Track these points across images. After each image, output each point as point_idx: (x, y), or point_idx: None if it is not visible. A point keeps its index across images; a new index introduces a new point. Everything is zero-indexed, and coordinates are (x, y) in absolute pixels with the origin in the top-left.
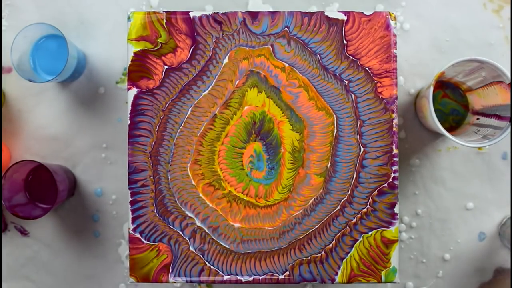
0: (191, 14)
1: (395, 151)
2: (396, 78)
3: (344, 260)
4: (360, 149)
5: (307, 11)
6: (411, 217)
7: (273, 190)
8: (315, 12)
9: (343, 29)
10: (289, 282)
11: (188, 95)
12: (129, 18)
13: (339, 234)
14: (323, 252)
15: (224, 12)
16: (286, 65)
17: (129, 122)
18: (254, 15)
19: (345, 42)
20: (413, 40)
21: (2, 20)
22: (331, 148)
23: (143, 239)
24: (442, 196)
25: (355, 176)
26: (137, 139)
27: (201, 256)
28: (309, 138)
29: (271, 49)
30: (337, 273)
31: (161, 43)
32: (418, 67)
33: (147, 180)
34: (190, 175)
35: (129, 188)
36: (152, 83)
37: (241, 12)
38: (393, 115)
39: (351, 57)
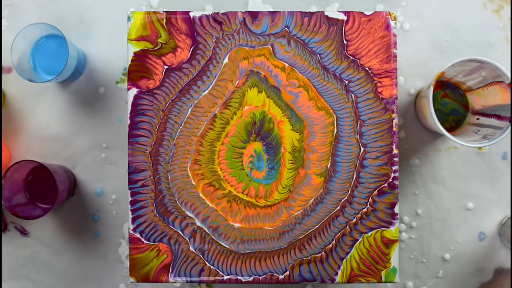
0: (191, 14)
1: (395, 151)
2: (396, 78)
3: (344, 260)
4: (360, 149)
5: (307, 11)
6: (411, 217)
7: (273, 190)
8: (315, 12)
9: (343, 29)
10: (289, 282)
11: (188, 95)
12: (129, 18)
13: (339, 234)
14: (323, 252)
15: (224, 12)
16: (286, 65)
17: (129, 122)
18: (254, 15)
19: (345, 42)
20: (413, 40)
21: (2, 20)
22: (331, 148)
23: (143, 239)
24: (442, 196)
25: (355, 176)
26: (137, 139)
27: (201, 256)
28: (309, 138)
29: (271, 49)
30: (337, 273)
31: (161, 43)
32: (418, 67)
33: (147, 180)
34: (190, 175)
35: (129, 188)
36: (152, 83)
37: (241, 12)
38: (393, 115)
39: (351, 57)
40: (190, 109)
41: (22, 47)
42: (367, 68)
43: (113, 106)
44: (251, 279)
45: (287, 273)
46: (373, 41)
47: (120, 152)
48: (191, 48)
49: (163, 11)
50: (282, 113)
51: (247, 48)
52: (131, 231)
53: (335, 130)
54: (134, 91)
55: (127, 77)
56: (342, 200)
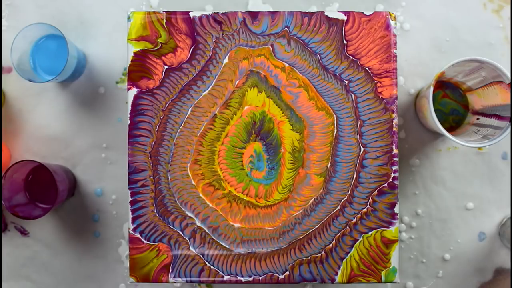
0: (191, 14)
1: (395, 151)
2: (396, 78)
3: (344, 260)
4: (360, 149)
5: (307, 11)
6: (411, 217)
7: (273, 190)
8: (315, 12)
9: (343, 29)
10: (289, 282)
11: (188, 95)
12: (129, 18)
13: (339, 234)
14: (323, 252)
15: (224, 12)
16: (286, 65)
17: (129, 122)
18: (254, 15)
19: (345, 42)
20: (413, 40)
21: (2, 20)
22: (331, 148)
23: (143, 239)
24: (442, 196)
25: (355, 176)
26: (137, 139)
27: (201, 256)
28: (309, 138)
29: (271, 49)
30: (337, 273)
31: (161, 43)
32: (418, 67)
33: (147, 180)
34: (190, 175)
35: (129, 188)
36: (152, 83)
37: (241, 12)
38: (393, 115)
39: (351, 57)
40: (190, 109)
41: (22, 47)
42: (367, 68)
43: (113, 106)
44: (251, 279)
45: (287, 273)
46: (373, 41)
47: (120, 152)
48: (191, 48)
49: (163, 11)
50: (282, 113)
51: (247, 48)
52: (131, 231)
53: (335, 130)
54: (134, 91)
55: (127, 77)
56: (342, 200)
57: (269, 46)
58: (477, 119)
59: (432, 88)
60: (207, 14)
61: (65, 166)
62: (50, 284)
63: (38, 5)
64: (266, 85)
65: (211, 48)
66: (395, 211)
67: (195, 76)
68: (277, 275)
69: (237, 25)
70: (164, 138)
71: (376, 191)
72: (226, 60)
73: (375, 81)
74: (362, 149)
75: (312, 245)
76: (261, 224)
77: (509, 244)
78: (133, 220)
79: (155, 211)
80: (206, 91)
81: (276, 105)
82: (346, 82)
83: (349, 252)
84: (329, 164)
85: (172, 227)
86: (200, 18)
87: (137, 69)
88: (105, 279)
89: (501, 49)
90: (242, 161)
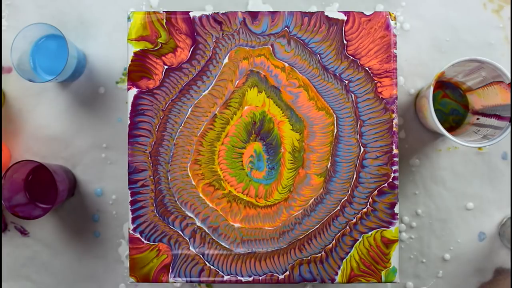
0: (191, 14)
1: (395, 151)
2: (396, 78)
3: (344, 260)
4: (360, 149)
5: (307, 11)
6: (411, 217)
7: (273, 190)
8: (315, 12)
9: (343, 29)
10: (289, 282)
11: (188, 95)
12: (129, 18)
13: (339, 234)
14: (323, 252)
15: (224, 12)
16: (286, 65)
17: (129, 122)
18: (254, 15)
19: (345, 42)
20: (413, 40)
21: (2, 20)
22: (331, 148)
23: (143, 239)
24: (442, 196)
25: (355, 176)
26: (137, 139)
27: (201, 256)
28: (309, 138)
29: (271, 49)
30: (337, 273)
31: (161, 43)
32: (418, 67)
33: (147, 180)
34: (190, 175)
35: (129, 188)
36: (152, 83)
37: (241, 12)
38: (393, 115)
39: (351, 57)
40: (190, 109)
41: (22, 47)
42: (367, 68)
43: (113, 106)
44: (251, 279)
45: (287, 273)
46: (373, 41)
47: (120, 152)
48: (191, 48)
49: (163, 11)
50: (282, 113)
51: (247, 48)
52: (131, 231)
53: (335, 130)
54: (134, 91)
55: (127, 77)
56: (342, 200)
57: (269, 46)
58: (477, 119)
59: (432, 88)
60: (207, 14)
61: (65, 166)
62: (50, 284)
63: (38, 5)
64: (266, 85)
65: (211, 48)
66: (395, 211)
67: (195, 76)
68: (277, 275)
69: (237, 25)
70: (164, 138)
71: (376, 191)
72: (226, 60)
73: (375, 81)
74: (362, 149)
75: (312, 245)
76: (261, 224)
77: (509, 244)
78: (133, 220)
79: (155, 211)
80: (206, 91)
81: (276, 105)
82: (346, 82)
83: (349, 252)
84: (329, 164)
85: (172, 227)
86: (200, 18)
87: (137, 69)
88: (105, 279)
89: (501, 49)
90: (242, 161)
